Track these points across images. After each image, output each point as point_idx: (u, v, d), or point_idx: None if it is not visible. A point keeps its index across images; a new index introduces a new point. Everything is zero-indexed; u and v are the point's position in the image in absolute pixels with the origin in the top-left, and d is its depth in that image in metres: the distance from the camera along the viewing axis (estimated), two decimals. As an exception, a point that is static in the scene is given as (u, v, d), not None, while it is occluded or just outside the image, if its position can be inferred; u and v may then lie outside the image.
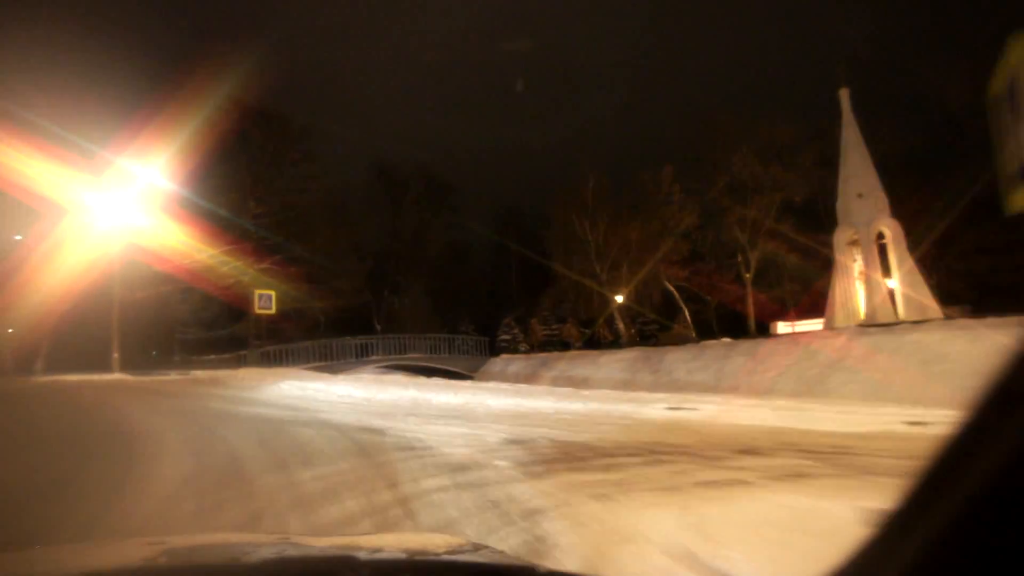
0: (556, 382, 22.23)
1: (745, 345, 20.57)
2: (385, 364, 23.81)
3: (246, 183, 25.08)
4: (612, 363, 22.01)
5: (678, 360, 20.45)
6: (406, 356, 24.38)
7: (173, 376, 21.08)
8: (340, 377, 14.01)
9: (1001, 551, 0.51)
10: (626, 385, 20.11)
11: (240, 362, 22.26)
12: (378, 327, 34.35)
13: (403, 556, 1.48)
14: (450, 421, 7.56)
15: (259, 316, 22.28)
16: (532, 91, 76.20)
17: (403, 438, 6.02)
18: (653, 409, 9.02)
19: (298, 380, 12.20)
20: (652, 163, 33.09)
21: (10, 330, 29.74)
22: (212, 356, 26.73)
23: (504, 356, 27.78)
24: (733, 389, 17.17)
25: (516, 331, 33.69)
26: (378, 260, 34.07)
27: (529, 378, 23.24)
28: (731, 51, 64.70)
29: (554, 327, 36.15)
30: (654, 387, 19.12)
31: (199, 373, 16.78)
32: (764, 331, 30.62)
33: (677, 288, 32.20)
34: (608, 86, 69.46)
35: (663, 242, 30.53)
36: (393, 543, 1.72)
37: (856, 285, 24.92)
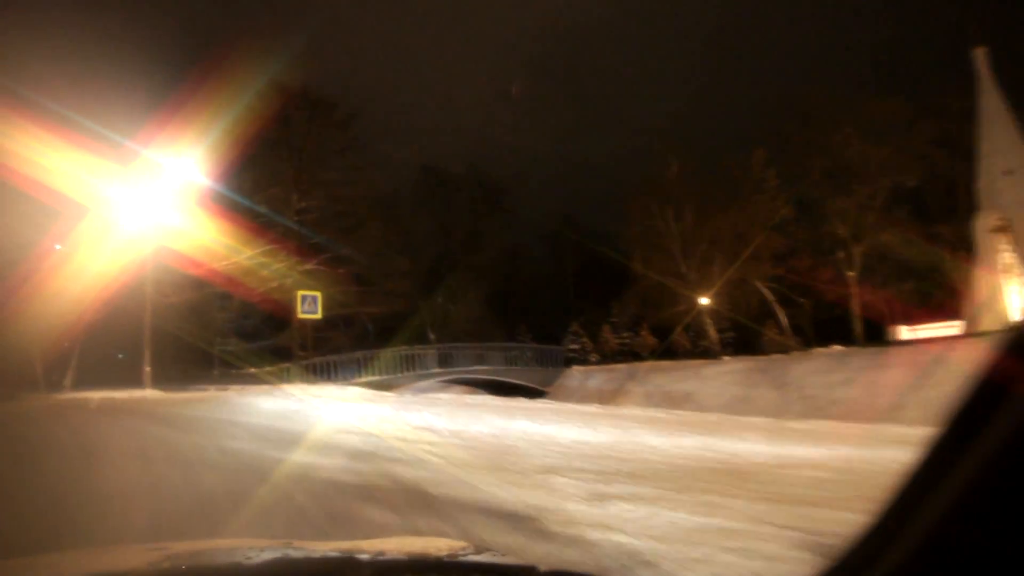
0: (651, 399, 18.59)
1: (894, 353, 16.65)
2: (447, 378, 20.58)
3: (288, 175, 22.35)
4: (720, 376, 18.25)
5: (810, 372, 16.58)
6: (470, 369, 21.10)
7: (210, 392, 18.33)
8: (409, 398, 10.71)
9: (984, 549, 0.53)
10: (744, 404, 16.33)
11: (283, 376, 19.34)
12: (431, 336, 31.24)
13: (404, 558, 1.53)
14: (631, 486, 4.12)
15: (303, 323, 19.42)
16: (598, 91, 72.75)
17: (596, 554, 2.63)
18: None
19: (356, 402, 8.93)
20: (737, 149, 29.21)
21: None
22: (253, 369, 24.04)
23: (578, 368, 24.25)
24: (897, 409, 13.32)
25: (585, 340, 30.14)
26: (430, 263, 31.02)
27: (615, 394, 19.69)
28: (819, 21, 59.15)
29: (624, 335, 32.41)
30: (783, 407, 15.30)
31: (234, 392, 13.86)
32: (876, 337, 26.23)
33: (768, 289, 28.11)
34: (683, 73, 65.37)
35: (754, 236, 26.52)
36: (395, 547, 1.73)
37: (1004, 280, 20.55)
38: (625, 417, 8.15)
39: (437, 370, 20.23)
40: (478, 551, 1.56)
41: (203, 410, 10.15)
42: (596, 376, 21.47)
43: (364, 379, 17.89)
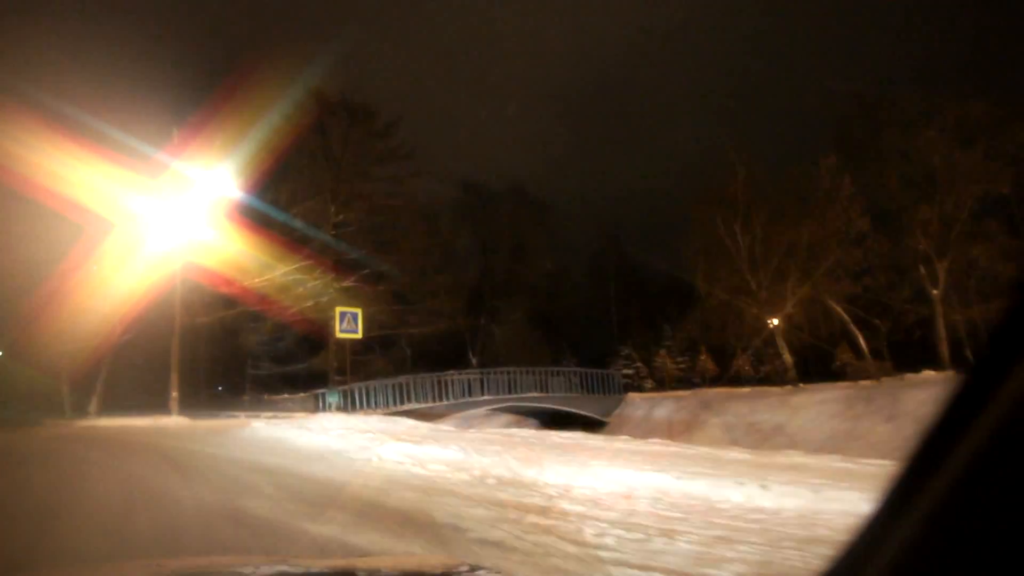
0: (732, 432, 16.26)
1: None
2: (499, 406, 18.54)
3: (326, 187, 20.88)
4: (813, 405, 15.83)
5: (926, 402, 14.08)
6: (522, 396, 19.02)
7: (239, 419, 16.67)
8: (472, 435, 8.67)
9: (983, 535, 0.54)
10: (852, 440, 13.89)
11: (318, 402, 17.56)
12: (474, 360, 29.31)
13: (397, 573, 1.53)
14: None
15: (341, 344, 17.67)
16: (642, 111, 71.05)
17: None
18: None
19: (404, 442, 6.97)
20: (805, 157, 26.89)
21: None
22: (286, 395, 22.41)
23: (638, 395, 21.99)
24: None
25: (639, 364, 27.87)
26: (471, 283, 29.21)
27: (688, 426, 17.38)
28: (893, 15, 55.85)
29: (678, 360, 30.00)
30: (903, 444, 12.80)
31: (264, 422, 12.11)
32: (963, 361, 23.33)
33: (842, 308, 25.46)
34: (738, 80, 62.87)
35: (827, 250, 24.03)
36: (391, 564, 1.70)
37: None
38: (764, 466, 5.99)
39: (488, 397, 18.19)
40: (473, 569, 1.54)
41: (226, 447, 8.32)
42: (663, 405, 19.18)
43: (407, 407, 15.99)
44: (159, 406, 20.24)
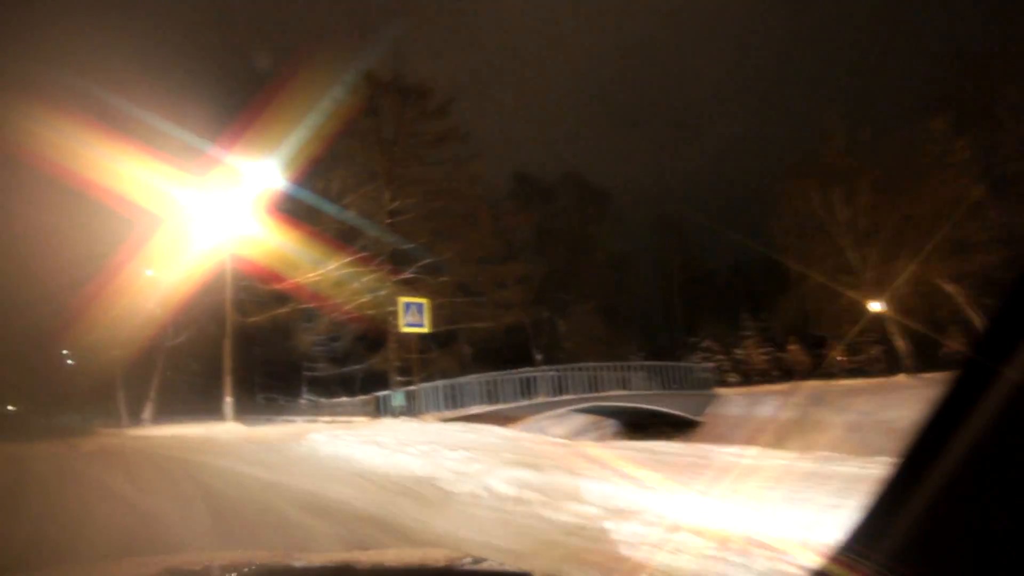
0: (859, 432, 13.78)
1: None
2: (581, 406, 16.53)
3: (379, 173, 19.26)
4: (962, 400, 13.12)
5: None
6: (604, 394, 16.96)
7: (297, 425, 15.24)
8: (594, 450, 6.61)
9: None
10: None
11: (380, 407, 15.93)
12: (537, 357, 27.39)
13: (400, 566, 1.52)
14: None
15: (402, 341, 16.06)
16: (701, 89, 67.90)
17: None
18: None
19: (515, 466, 5.04)
20: (909, 120, 23.86)
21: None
22: (343, 398, 20.99)
23: (731, 391, 19.63)
24: None
25: (720, 357, 25.39)
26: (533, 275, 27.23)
27: (801, 426, 14.95)
28: None
29: (762, 351, 27.34)
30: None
31: (323, 430, 10.54)
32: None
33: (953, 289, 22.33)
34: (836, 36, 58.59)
35: (939, 222, 20.99)
36: (393, 558, 1.71)
37: None
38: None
39: (569, 396, 16.15)
40: (476, 562, 1.54)
41: (280, 468, 6.60)
42: (764, 402, 16.78)
43: (479, 409, 14.15)
44: (214, 411, 19.17)
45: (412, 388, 15.68)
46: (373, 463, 6.11)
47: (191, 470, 6.71)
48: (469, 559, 1.59)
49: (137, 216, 19.77)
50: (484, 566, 1.51)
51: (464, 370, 18.47)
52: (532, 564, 3.02)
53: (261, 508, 4.67)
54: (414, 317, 12.74)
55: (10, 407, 53.83)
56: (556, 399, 16.10)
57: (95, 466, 7.55)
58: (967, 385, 0.62)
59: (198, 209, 18.65)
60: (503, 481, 4.68)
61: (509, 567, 1.63)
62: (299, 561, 1.53)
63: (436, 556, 1.69)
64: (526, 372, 16.39)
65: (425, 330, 13.21)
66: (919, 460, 0.64)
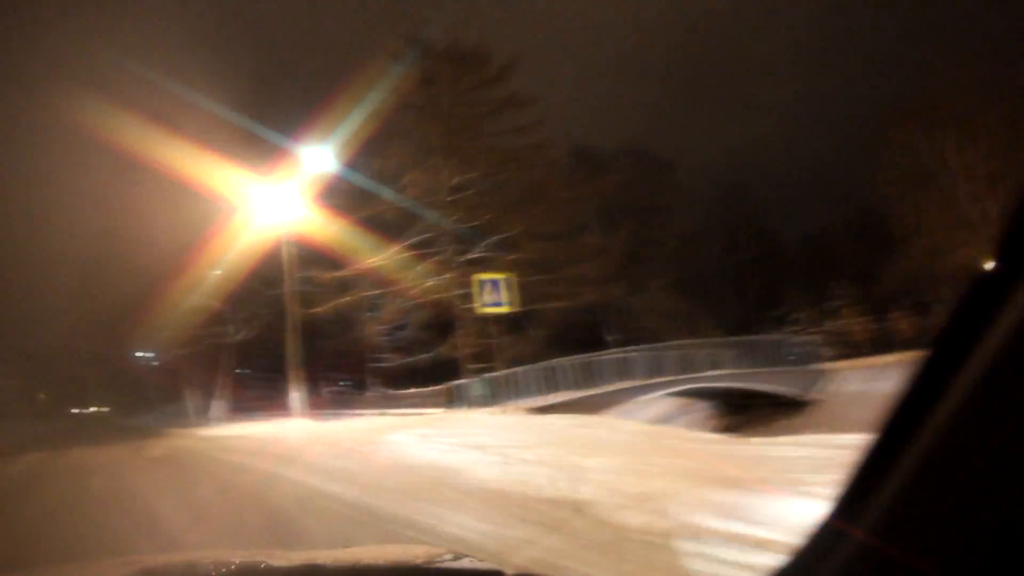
0: None
1: None
2: (676, 389, 14.86)
3: (437, 147, 17.94)
4: None
5: None
6: (700, 375, 15.28)
7: (368, 420, 14.19)
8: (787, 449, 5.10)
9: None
10: None
11: (455, 397, 14.68)
12: (609, 338, 25.77)
13: (371, 564, 1.47)
14: None
15: (474, 326, 14.76)
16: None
17: None
18: None
19: (717, 488, 3.51)
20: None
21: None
22: (412, 388, 19.94)
23: (843, 365, 17.56)
24: None
25: (814, 329, 23.14)
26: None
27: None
28: None
29: (861, 321, 24.88)
30: None
31: (398, 426, 9.36)
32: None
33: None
34: None
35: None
36: (373, 555, 1.67)
37: None
38: None
39: (662, 379, 14.48)
40: (457, 557, 1.52)
41: (360, 482, 5.33)
42: (885, 376, 14.68)
43: (567, 396, 12.67)
44: (281, 406, 18.51)
45: (489, 376, 14.35)
46: (483, 476, 4.72)
47: (258, 487, 5.52)
48: (449, 555, 1.53)
49: (204, 211, 19.40)
50: (457, 563, 1.47)
51: (537, 356, 17.04)
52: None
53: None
54: (493, 296, 11.39)
55: (101, 408, 56.36)
56: (650, 382, 14.51)
57: (149, 481, 6.49)
58: (948, 351, 0.60)
59: (259, 198, 18.00)
60: (706, 511, 3.17)
61: (483, 565, 1.47)
62: (279, 560, 1.48)
63: (416, 552, 1.65)
64: (617, 353, 14.83)
65: (507, 309, 11.80)
66: (899, 430, 0.63)
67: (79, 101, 21.65)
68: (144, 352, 33.37)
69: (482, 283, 11.51)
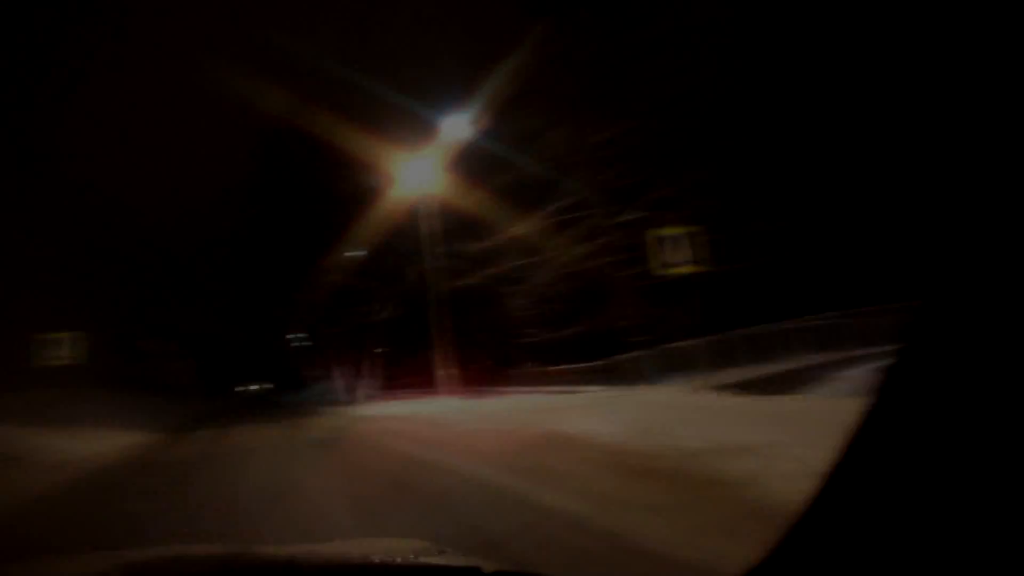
0: None
1: None
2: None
3: (579, 99, 16.30)
4: None
5: None
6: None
7: (530, 400, 13.12)
8: None
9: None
10: None
11: (616, 373, 13.18)
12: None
13: (347, 558, 1.48)
14: None
15: (635, 296, 13.09)
16: None
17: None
18: None
19: None
20: None
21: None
22: (563, 365, 18.74)
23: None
24: None
25: None
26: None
27: None
28: None
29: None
30: None
31: (552, 396, 8.01)
32: None
33: None
34: None
35: None
36: (358, 549, 1.68)
37: None
38: None
39: (865, 351, 12.04)
40: (440, 552, 1.51)
41: (584, 492, 3.93)
42: None
43: (773, 368, 10.71)
44: (429, 383, 18.12)
45: (657, 350, 12.65)
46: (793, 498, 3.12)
47: (433, 486, 4.29)
48: (434, 550, 1.53)
49: (351, 186, 19.56)
50: (435, 559, 1.45)
51: (705, 328, 15.02)
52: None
53: None
54: (673, 254, 9.66)
55: (264, 385, 61.56)
56: (852, 353, 12.10)
57: (312, 477, 5.55)
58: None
59: (400, 171, 17.74)
60: None
61: (462, 560, 1.43)
62: (262, 554, 1.49)
63: (402, 547, 1.64)
64: (813, 320, 12.56)
65: (691, 268, 10.00)
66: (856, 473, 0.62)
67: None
68: (297, 334, 35.10)
69: (661, 240, 9.82)
